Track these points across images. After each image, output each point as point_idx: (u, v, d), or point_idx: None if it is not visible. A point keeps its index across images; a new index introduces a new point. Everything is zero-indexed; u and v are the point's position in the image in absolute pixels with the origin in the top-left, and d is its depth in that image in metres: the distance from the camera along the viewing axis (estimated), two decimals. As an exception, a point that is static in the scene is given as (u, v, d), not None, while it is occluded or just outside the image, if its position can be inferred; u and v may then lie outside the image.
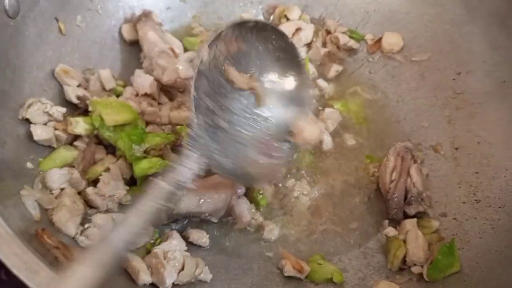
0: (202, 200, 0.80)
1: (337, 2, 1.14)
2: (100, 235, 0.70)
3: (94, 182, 0.80)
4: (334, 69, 1.07)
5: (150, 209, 0.63)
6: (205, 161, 0.70)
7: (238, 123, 0.77)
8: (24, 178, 0.73)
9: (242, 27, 0.76)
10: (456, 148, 0.94)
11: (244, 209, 0.84)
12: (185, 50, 1.05)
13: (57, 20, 0.90)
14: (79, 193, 0.78)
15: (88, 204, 0.79)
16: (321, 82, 1.06)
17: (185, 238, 0.80)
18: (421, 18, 1.07)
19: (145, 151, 0.82)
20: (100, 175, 0.80)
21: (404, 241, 0.81)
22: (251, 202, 0.86)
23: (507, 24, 0.93)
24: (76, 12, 0.94)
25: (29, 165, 0.76)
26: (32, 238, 0.63)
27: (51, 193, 0.74)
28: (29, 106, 0.79)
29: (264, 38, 0.80)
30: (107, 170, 0.81)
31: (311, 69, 1.06)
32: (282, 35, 0.82)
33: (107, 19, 1.00)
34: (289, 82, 0.84)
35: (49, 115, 0.81)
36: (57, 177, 0.74)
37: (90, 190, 0.78)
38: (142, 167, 0.80)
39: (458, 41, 1.01)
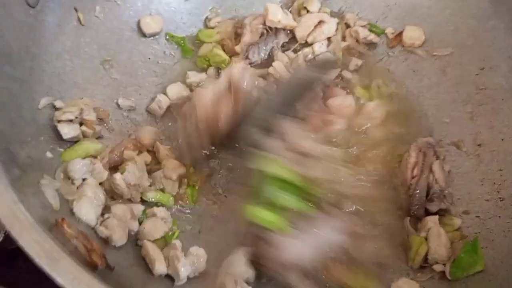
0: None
1: (358, -6, 1.12)
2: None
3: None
4: (353, 63, 1.05)
5: None
6: None
7: None
8: (44, 168, 0.73)
9: None
10: (479, 145, 0.91)
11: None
12: (201, 42, 1.05)
13: (76, 10, 0.90)
14: (100, 183, 0.78)
15: (111, 193, 0.79)
16: (345, 73, 1.04)
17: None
18: (443, 12, 1.04)
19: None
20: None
21: (426, 239, 0.80)
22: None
23: (533, 18, 0.91)
24: (95, 2, 0.94)
25: (48, 154, 0.76)
26: (52, 227, 0.62)
27: (73, 183, 0.74)
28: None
29: None
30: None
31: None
32: None
33: (126, 10, 1.00)
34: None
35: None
36: (79, 167, 0.74)
37: (118, 176, 0.78)
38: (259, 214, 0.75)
39: (481, 36, 0.99)
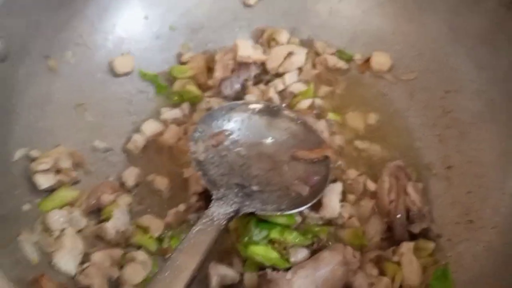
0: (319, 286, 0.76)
1: (325, 24, 1.15)
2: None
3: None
4: (323, 90, 1.08)
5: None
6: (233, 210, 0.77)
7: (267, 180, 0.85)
8: (21, 222, 0.73)
9: None
10: (448, 167, 0.94)
11: (364, 284, 0.78)
12: (173, 78, 1.07)
13: (46, 57, 0.91)
14: (79, 231, 0.79)
15: (91, 239, 0.80)
16: (316, 100, 1.06)
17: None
18: (407, 38, 1.08)
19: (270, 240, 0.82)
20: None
21: (398, 263, 0.82)
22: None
23: (492, 43, 0.94)
24: (65, 48, 0.95)
25: (25, 207, 0.76)
26: (30, 286, 0.63)
27: (51, 235, 0.75)
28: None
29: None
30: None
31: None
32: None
33: (97, 52, 1.01)
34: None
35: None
36: (57, 218, 0.76)
37: (109, 224, 0.80)
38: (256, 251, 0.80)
39: (444, 60, 1.02)
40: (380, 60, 1.09)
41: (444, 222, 0.88)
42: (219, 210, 0.75)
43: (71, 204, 0.81)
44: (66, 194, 0.82)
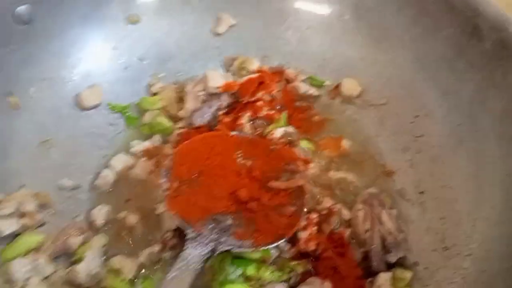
0: None
1: (295, 50, 1.15)
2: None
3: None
4: (295, 117, 1.07)
5: None
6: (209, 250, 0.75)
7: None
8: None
9: None
10: (421, 193, 0.95)
11: None
12: (143, 110, 1.04)
13: (9, 94, 0.87)
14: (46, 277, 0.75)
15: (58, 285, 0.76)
16: (288, 128, 1.06)
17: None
18: (375, 64, 1.10)
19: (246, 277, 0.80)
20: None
21: (376, 296, 0.81)
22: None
23: (455, 68, 0.96)
24: (29, 84, 0.92)
25: (-13, 256, 0.72)
26: None
27: (14, 286, 0.70)
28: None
29: None
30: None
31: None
32: None
33: (63, 85, 0.98)
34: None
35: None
36: (19, 267, 0.72)
37: (80, 268, 0.77)
38: None
39: (411, 86, 1.04)
40: (350, 86, 1.11)
41: (419, 249, 0.88)
42: (195, 252, 0.73)
43: (36, 249, 0.77)
44: (31, 239, 0.77)
